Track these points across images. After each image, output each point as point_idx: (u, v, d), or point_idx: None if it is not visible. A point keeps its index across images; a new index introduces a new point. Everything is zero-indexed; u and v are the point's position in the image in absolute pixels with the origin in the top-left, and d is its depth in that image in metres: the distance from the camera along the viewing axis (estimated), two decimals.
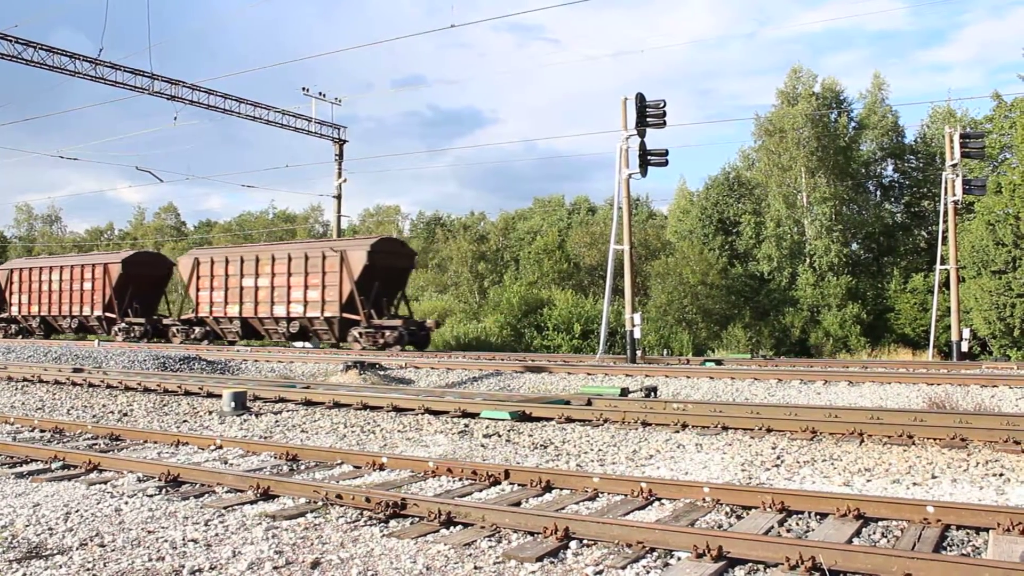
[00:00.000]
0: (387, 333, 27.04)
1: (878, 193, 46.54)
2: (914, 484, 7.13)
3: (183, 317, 33.06)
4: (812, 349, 38.88)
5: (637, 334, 22.51)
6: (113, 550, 5.20)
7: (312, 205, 76.33)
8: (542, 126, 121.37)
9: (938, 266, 28.15)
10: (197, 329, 32.01)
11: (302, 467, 8.19)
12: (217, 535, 5.54)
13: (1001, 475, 7.30)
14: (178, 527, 5.74)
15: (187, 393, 14.37)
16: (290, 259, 28.91)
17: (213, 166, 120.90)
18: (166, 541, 5.38)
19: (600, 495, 6.74)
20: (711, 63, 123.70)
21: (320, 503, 6.36)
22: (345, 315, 27.58)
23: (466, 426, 10.62)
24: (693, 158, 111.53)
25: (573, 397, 12.74)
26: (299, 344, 30.15)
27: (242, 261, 30.29)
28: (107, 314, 34.75)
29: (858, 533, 5.54)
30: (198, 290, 31.66)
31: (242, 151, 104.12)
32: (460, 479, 7.39)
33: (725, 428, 9.80)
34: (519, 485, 7.10)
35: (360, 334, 27.49)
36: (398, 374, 19.47)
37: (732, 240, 45.26)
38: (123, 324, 34.01)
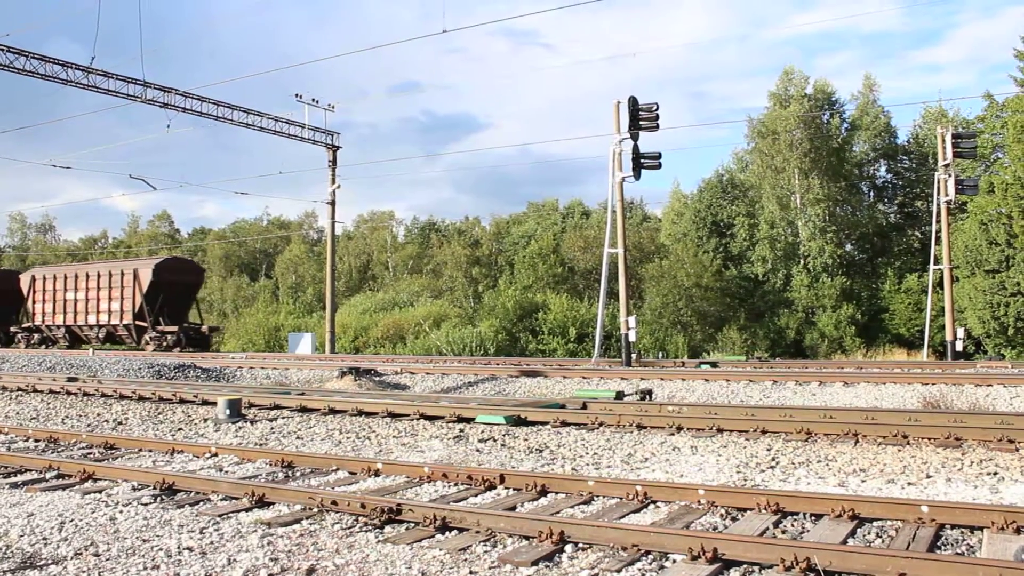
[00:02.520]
0: (168, 337, 32.93)
1: (871, 194, 46.67)
2: (909, 484, 7.14)
3: (24, 325, 38.30)
4: (807, 350, 38.95)
5: (632, 337, 22.52)
6: (108, 559, 5.19)
7: (307, 211, 76.30)
8: (537, 130, 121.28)
9: (932, 266, 28.23)
10: (36, 336, 37.23)
11: (297, 474, 8.18)
12: (212, 543, 5.53)
13: (995, 474, 7.32)
14: (173, 535, 5.73)
15: (182, 401, 14.33)
16: (99, 276, 34.95)
17: (207, 173, 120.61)
18: (161, 549, 5.37)
19: (595, 498, 6.74)
20: (704, 66, 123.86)
21: (315, 510, 6.35)
22: (137, 322, 33.61)
23: (461, 431, 10.61)
24: (687, 161, 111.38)
25: (568, 401, 12.74)
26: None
27: (66, 278, 36.16)
28: None
29: (853, 533, 5.55)
30: (34, 302, 37.30)
31: (236, 158, 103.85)
32: (455, 484, 7.38)
33: (720, 430, 9.81)
34: (514, 489, 7.10)
35: (150, 338, 33.28)
36: (393, 379, 19.46)
37: (726, 242, 45.33)
38: None
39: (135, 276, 33.61)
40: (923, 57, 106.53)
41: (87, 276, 35.39)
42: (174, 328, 32.93)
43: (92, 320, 35.09)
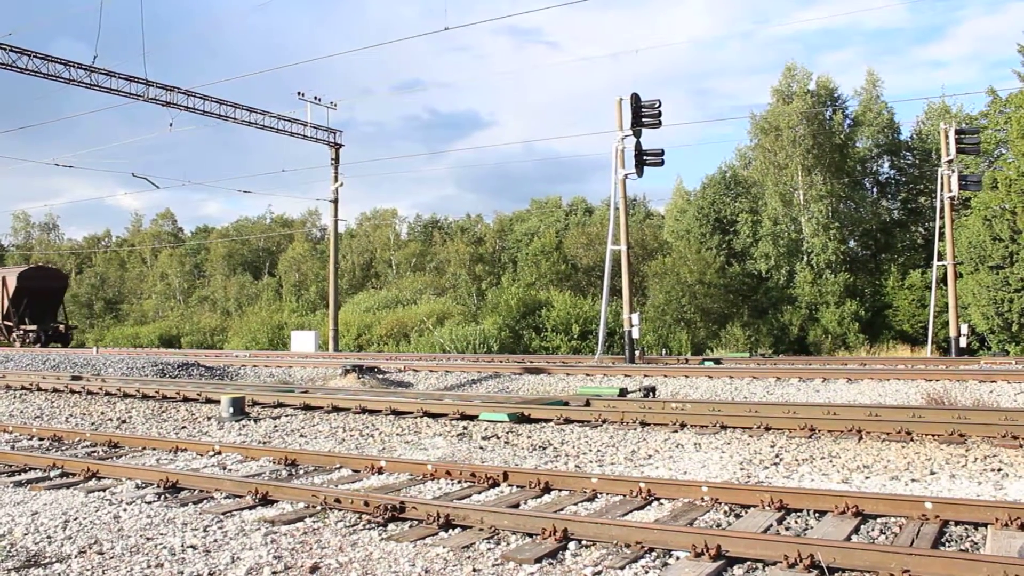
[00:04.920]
0: (31, 335, 38.09)
1: (874, 190, 46.59)
2: (912, 480, 7.13)
3: None
4: (811, 347, 38.90)
5: (635, 334, 22.51)
6: (112, 557, 5.20)
7: (310, 209, 76.36)
8: (540, 128, 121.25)
9: (935, 262, 28.18)
10: None
11: (301, 472, 8.19)
12: (216, 541, 5.54)
13: (999, 470, 7.31)
14: (177, 533, 5.74)
15: (185, 399, 14.34)
16: None
17: (210, 171, 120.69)
18: (165, 548, 5.38)
19: (599, 496, 6.74)
20: (708, 63, 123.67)
21: (319, 507, 6.35)
22: (6, 322, 38.77)
23: (465, 428, 10.62)
24: (690, 158, 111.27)
25: (572, 398, 12.74)
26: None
27: None
28: None
29: (857, 530, 5.55)
30: None
31: (239, 156, 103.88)
32: (459, 481, 7.39)
33: (724, 427, 9.79)
34: (518, 487, 7.10)
35: (17, 336, 38.29)
36: (397, 377, 19.47)
37: (729, 239, 45.26)
38: None
39: (3, 282, 38.36)
40: (926, 53, 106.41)
41: None
42: (33, 327, 38.30)
43: None
